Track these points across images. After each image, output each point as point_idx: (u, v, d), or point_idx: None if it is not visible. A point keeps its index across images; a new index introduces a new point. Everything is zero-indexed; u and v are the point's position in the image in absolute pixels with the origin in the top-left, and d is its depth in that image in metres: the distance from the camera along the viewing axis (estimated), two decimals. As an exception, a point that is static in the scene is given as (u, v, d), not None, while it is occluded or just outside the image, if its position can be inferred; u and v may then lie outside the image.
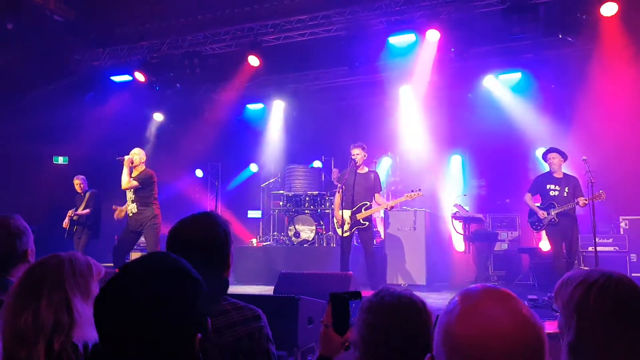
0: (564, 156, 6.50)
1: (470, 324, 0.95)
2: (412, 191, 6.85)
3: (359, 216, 6.63)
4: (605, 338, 1.28)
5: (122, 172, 6.40)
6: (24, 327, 1.51)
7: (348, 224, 6.63)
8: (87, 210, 7.74)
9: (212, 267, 1.80)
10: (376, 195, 6.78)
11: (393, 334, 1.50)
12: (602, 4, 6.71)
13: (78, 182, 7.97)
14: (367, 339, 1.54)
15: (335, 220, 6.88)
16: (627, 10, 6.74)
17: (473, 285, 1.05)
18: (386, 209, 7.04)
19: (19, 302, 1.57)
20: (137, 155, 6.45)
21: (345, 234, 6.63)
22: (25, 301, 1.56)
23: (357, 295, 1.79)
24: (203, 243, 1.78)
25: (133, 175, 6.43)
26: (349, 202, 6.65)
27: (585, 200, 6.17)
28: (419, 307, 1.55)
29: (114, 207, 6.89)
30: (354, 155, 6.63)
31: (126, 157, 6.37)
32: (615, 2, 6.65)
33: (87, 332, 1.53)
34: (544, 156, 6.65)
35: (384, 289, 1.65)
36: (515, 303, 0.98)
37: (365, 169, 6.81)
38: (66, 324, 1.54)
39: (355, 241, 7.45)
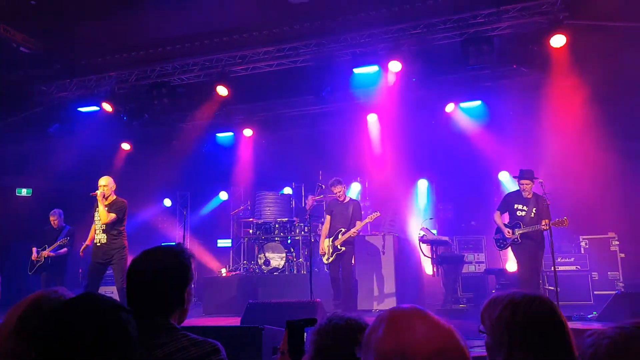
0: (534, 180, 6.57)
1: (393, 335, 1.06)
2: (372, 212, 7.42)
3: (337, 242, 7.10)
4: (534, 352, 1.40)
5: (96, 206, 6.38)
6: None
7: (329, 252, 7.15)
8: (65, 250, 7.63)
9: (166, 302, 1.83)
10: (357, 222, 7.20)
11: (339, 354, 1.58)
12: (552, 36, 7.08)
13: (53, 218, 7.82)
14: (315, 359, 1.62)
15: (320, 249, 7.41)
16: (574, 41, 7.15)
17: (403, 305, 1.16)
18: (354, 234, 7.25)
19: (23, 342, 1.54)
20: (107, 186, 6.41)
21: (327, 262, 7.21)
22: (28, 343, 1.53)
23: (312, 322, 1.86)
24: (159, 277, 1.81)
25: (106, 203, 6.39)
26: (332, 232, 7.19)
27: (546, 226, 6.19)
28: (364, 329, 1.64)
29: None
30: (336, 193, 7.23)
31: (98, 192, 6.33)
32: (563, 34, 7.04)
33: None
34: (518, 180, 6.68)
35: (335, 314, 1.74)
36: (436, 319, 1.09)
37: (347, 199, 7.39)
38: None
39: (325, 268, 7.64)
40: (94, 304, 1.26)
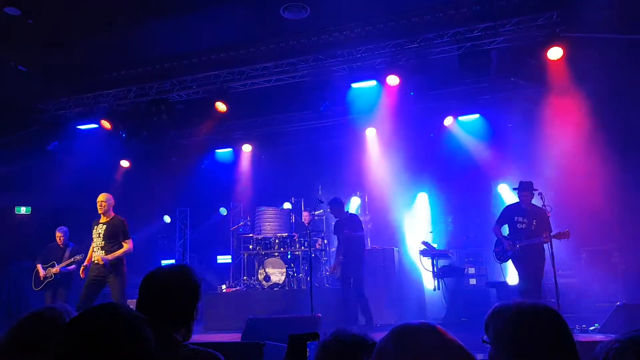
0: (534, 191, 6.55)
1: (405, 351, 1.05)
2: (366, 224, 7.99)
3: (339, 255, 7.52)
4: None
5: (95, 225, 6.44)
6: None
7: (336, 267, 7.53)
8: (74, 267, 7.67)
9: (176, 316, 1.91)
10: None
11: None
12: (549, 49, 7.14)
13: (59, 235, 7.87)
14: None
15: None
16: (572, 54, 7.20)
17: (413, 321, 1.15)
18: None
19: (21, 353, 1.55)
20: (105, 202, 6.40)
21: (337, 277, 7.59)
22: (28, 353, 1.55)
23: (315, 336, 1.84)
24: (172, 291, 1.91)
25: (103, 221, 6.38)
26: None
27: (547, 238, 6.16)
28: (370, 347, 1.61)
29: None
30: (332, 213, 7.73)
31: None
32: (560, 46, 7.10)
33: None
34: (518, 192, 6.66)
35: (338, 329, 1.72)
36: (445, 334, 1.09)
37: (346, 216, 7.66)
38: None
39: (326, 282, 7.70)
40: (116, 315, 1.26)
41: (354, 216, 7.73)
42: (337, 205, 7.62)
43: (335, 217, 7.71)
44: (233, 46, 8.27)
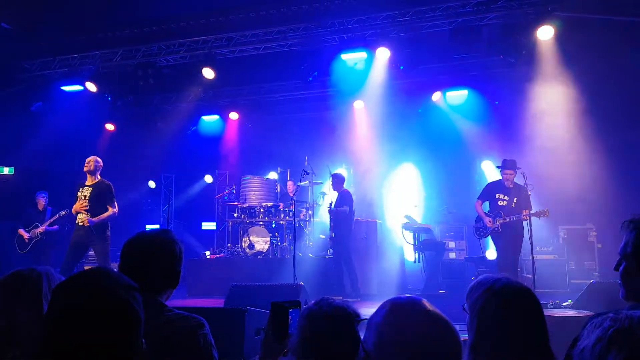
0: (517, 170, 6.69)
1: (395, 324, 1.11)
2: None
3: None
4: (500, 341, 1.46)
5: (80, 186, 6.37)
6: None
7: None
8: (57, 227, 7.79)
9: (160, 282, 1.93)
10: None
11: (327, 342, 1.61)
12: (539, 27, 7.14)
13: (40, 200, 8.02)
14: (303, 345, 1.65)
15: None
16: (562, 34, 7.22)
17: (402, 295, 1.22)
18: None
19: None
20: (91, 162, 6.34)
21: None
22: (5, 309, 1.57)
23: (296, 304, 1.90)
24: (157, 258, 1.92)
25: (89, 183, 6.33)
26: None
27: (527, 216, 6.32)
28: (352, 319, 1.67)
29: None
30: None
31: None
32: (551, 26, 7.10)
33: None
34: (501, 170, 6.78)
35: (323, 298, 1.77)
36: (431, 309, 1.15)
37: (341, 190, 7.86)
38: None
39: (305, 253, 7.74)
40: (105, 280, 1.22)
41: (344, 192, 7.83)
42: (335, 181, 7.85)
43: (334, 190, 7.89)
44: (222, 11, 8.10)
